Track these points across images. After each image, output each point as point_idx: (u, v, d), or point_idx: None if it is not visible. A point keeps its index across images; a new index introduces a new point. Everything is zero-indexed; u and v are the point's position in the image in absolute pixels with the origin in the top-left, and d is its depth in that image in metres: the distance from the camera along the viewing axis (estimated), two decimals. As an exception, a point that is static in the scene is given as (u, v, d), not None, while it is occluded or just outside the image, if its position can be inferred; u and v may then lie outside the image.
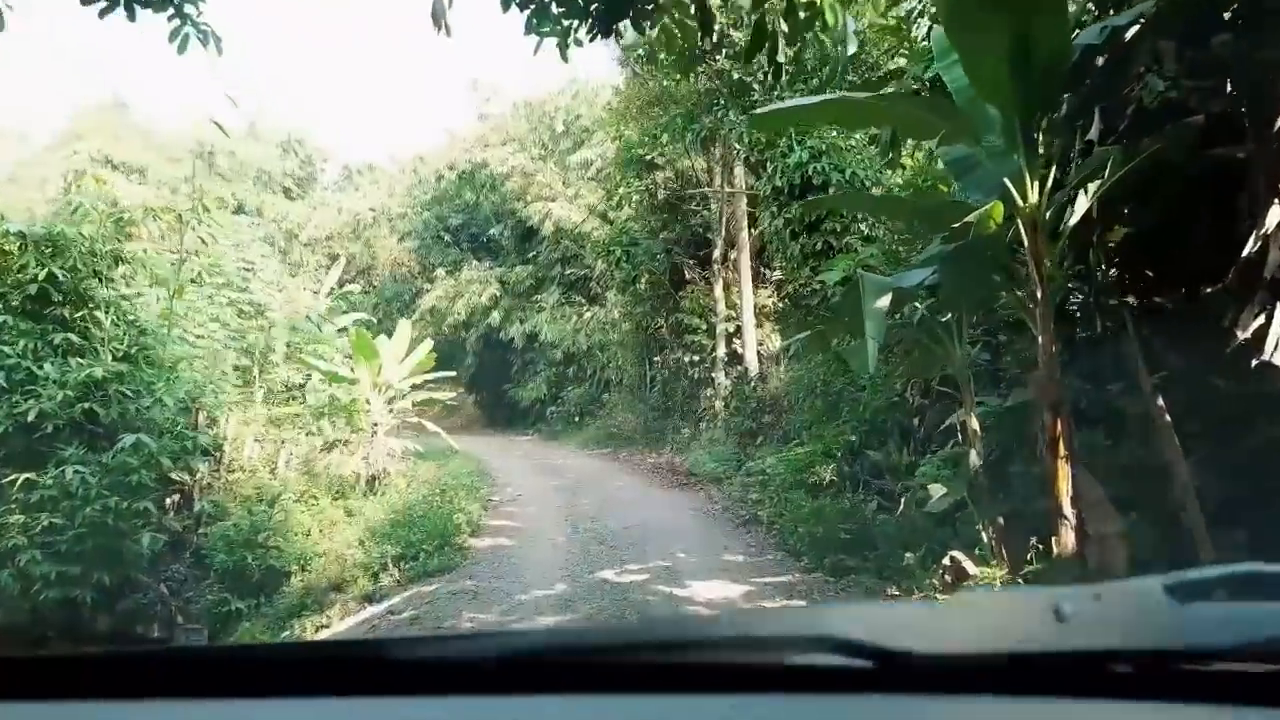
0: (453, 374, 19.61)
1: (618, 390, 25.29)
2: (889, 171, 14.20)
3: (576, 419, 26.97)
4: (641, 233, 19.61)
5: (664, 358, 22.72)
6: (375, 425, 15.18)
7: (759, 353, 18.51)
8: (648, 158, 18.80)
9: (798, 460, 11.27)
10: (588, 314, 27.26)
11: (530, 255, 29.63)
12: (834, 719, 0.97)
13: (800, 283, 13.99)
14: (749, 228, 18.56)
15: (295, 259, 35.69)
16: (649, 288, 20.37)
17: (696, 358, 19.21)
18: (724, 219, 19.13)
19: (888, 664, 0.94)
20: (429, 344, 16.49)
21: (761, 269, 19.53)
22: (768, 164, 14.87)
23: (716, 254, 19.05)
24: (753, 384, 16.69)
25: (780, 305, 19.20)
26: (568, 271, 27.64)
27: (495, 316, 29.28)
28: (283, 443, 13.23)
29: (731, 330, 19.02)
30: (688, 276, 20.02)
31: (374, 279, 38.64)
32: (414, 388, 21.53)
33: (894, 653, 0.94)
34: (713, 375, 19.04)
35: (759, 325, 18.77)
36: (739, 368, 18.22)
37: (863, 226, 13.79)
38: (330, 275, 29.21)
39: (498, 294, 29.42)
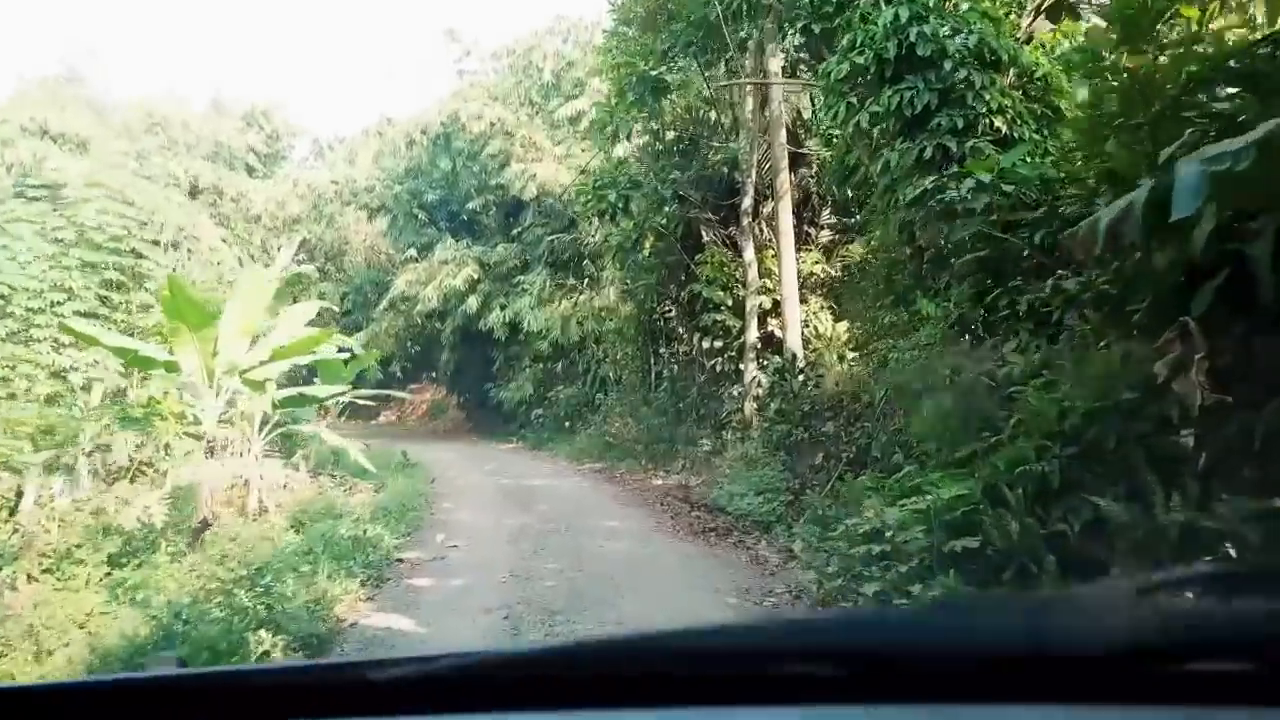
0: (349, 352, 14.07)
1: (615, 390, 19.77)
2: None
3: (567, 424, 21.47)
4: (645, 175, 14.02)
5: (674, 347, 17.19)
6: (247, 440, 9.71)
7: (805, 336, 12.98)
8: (653, 72, 13.25)
9: (939, 508, 5.73)
10: (580, 298, 21.74)
11: (516, 233, 24.13)
12: None
13: (903, 204, 8.45)
14: (790, 171, 13.05)
15: (257, 243, 30.14)
16: (655, 254, 14.82)
17: (718, 343, 13.69)
18: (755, 158, 13.60)
19: (871, 672, 0.93)
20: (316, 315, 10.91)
21: (805, 227, 14.00)
22: (838, 35, 9.34)
23: (746, 204, 13.51)
24: (803, 378, 11.14)
25: (832, 272, 13.66)
26: (556, 247, 22.11)
27: (472, 302, 23.77)
28: (27, 467, 7.68)
29: (767, 307, 13.50)
30: (706, 238, 14.47)
31: (345, 265, 33.18)
32: (350, 387, 16.17)
33: (875, 659, 0.92)
34: (740, 367, 13.53)
35: (803, 301, 13.25)
36: (776, 358, 12.69)
37: (998, 122, 8.30)
38: (281, 255, 23.79)
39: (475, 276, 23.92)
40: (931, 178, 8.31)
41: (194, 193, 31.10)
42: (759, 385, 13.21)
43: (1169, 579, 1.07)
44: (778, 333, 13.41)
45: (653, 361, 18.38)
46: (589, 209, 13.94)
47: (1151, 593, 1.01)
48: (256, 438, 11.87)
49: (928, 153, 8.28)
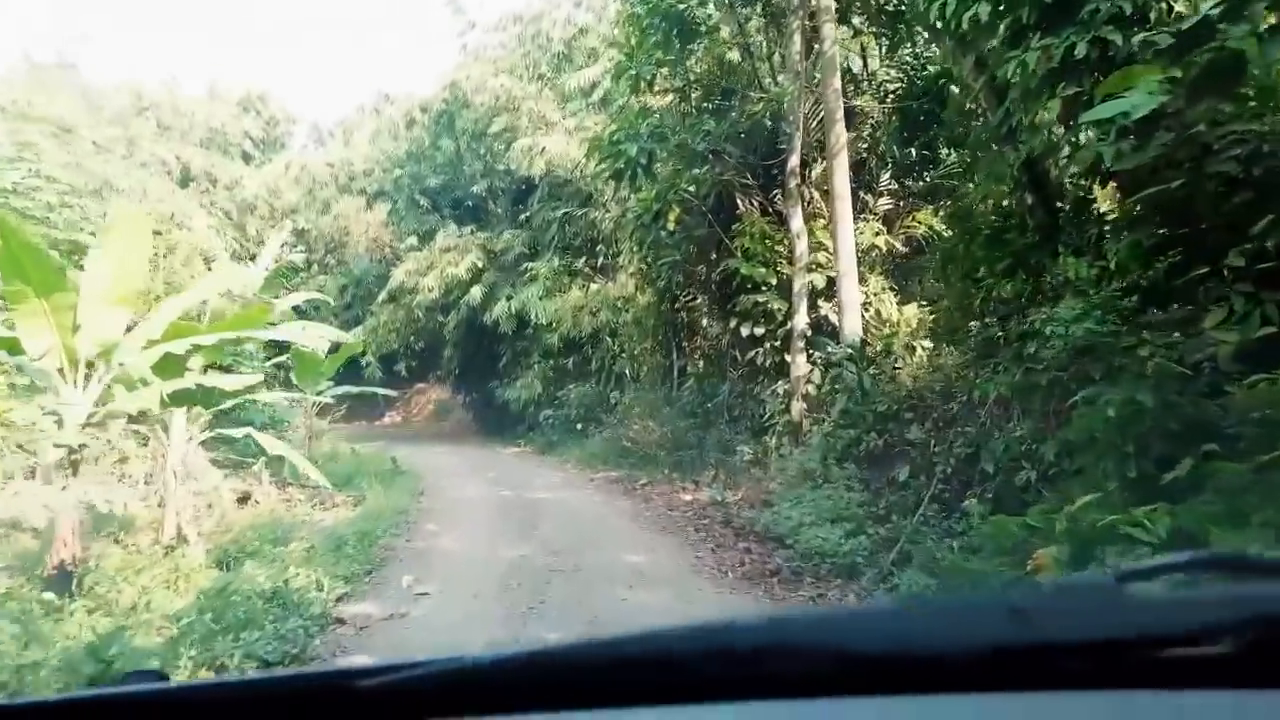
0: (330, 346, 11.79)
1: (632, 388, 17.31)
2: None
3: (578, 426, 19.02)
4: (673, 128, 11.52)
5: (700, 339, 14.75)
6: (163, 448, 7.33)
7: (866, 321, 10.51)
8: (680, 6, 10.79)
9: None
10: (593, 287, 19.29)
11: (524, 217, 21.71)
12: None
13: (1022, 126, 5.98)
14: (845, 125, 10.56)
15: (253, 233, 27.84)
16: (681, 229, 12.37)
17: (758, 330, 11.22)
18: (803, 111, 11.12)
19: (850, 667, 0.91)
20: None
21: (861, 194, 11.52)
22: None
23: (793, 163, 11.04)
24: (872, 369, 8.68)
25: (897, 245, 11.20)
26: (567, 230, 19.66)
27: (476, 293, 21.36)
28: None
29: (820, 286, 11.02)
30: (743, 208, 12.00)
31: (347, 256, 30.84)
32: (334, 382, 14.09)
33: (855, 655, 0.91)
34: (786, 359, 11.05)
35: (861, 280, 10.77)
36: (831, 347, 10.23)
37: (1181, 5, 5.85)
38: (270, 244, 21.46)
39: (479, 264, 21.51)
40: (1079, 86, 5.86)
41: (185, 180, 28.86)
42: (809, 381, 10.74)
43: (1148, 567, 1.03)
44: (831, 317, 10.94)
45: (675, 356, 15.92)
46: (603, 170, 11.45)
47: (1130, 581, 0.96)
48: (174, 444, 9.54)
49: (1079, 50, 5.80)
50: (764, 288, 11.04)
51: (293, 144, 32.06)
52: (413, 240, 24.17)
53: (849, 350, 9.08)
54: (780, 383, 10.91)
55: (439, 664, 0.97)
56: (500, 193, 23.62)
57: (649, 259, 14.00)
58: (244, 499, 11.29)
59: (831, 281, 10.85)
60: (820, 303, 11.14)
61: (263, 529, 8.64)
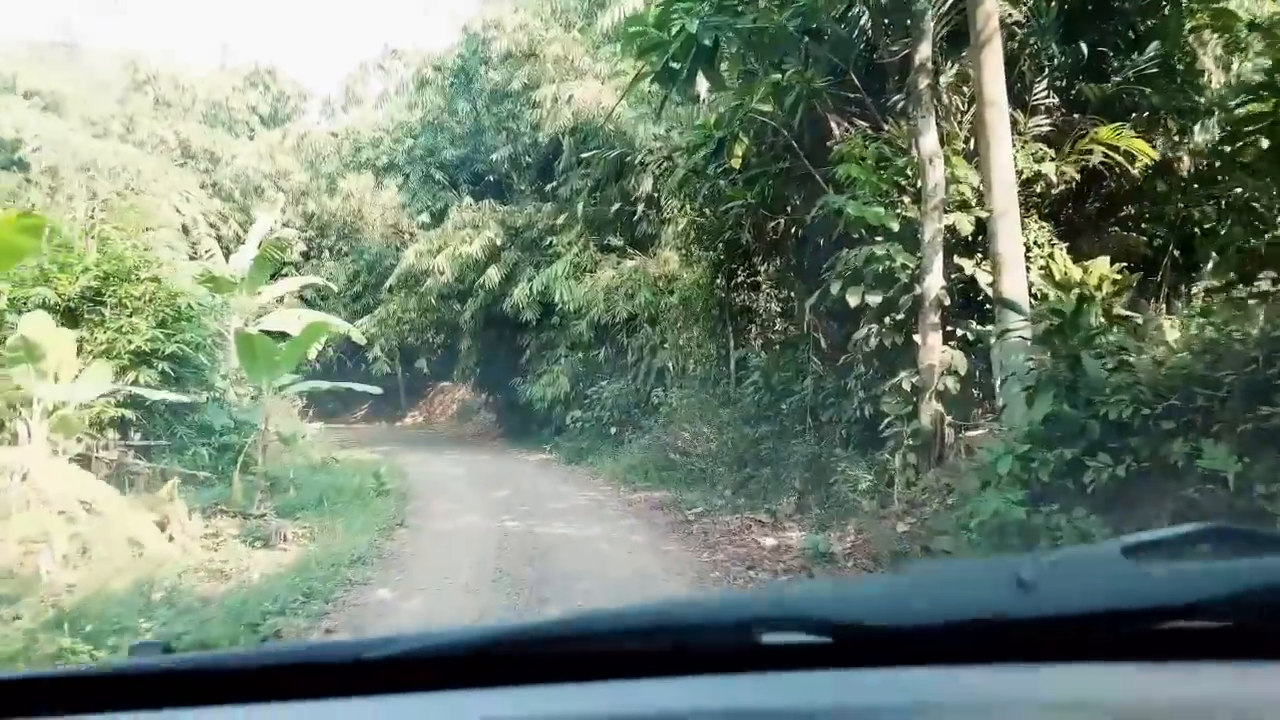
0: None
1: (677, 385, 13.77)
2: None
3: (612, 430, 15.56)
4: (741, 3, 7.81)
5: (772, 316, 11.27)
6: None
7: (1033, 287, 6.91)
8: None
9: None
10: (628, 264, 15.77)
11: (550, 188, 18.22)
12: (799, 695, 0.89)
13: None
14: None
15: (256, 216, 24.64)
16: (748, 169, 8.77)
17: (872, 298, 7.49)
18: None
19: (852, 638, 0.91)
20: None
21: (1023, 94, 7.88)
22: None
23: (922, 54, 7.42)
24: (1100, 356, 5.06)
25: (1072, 173, 7.58)
26: (600, 197, 16.13)
27: (493, 275, 17.93)
28: None
29: (967, 234, 7.40)
30: (839, 130, 8.36)
31: (360, 242, 27.60)
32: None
33: (858, 626, 0.90)
34: (915, 338, 7.42)
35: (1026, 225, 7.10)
36: (1009, 309, 6.63)
37: None
38: (259, 223, 18.27)
39: (498, 241, 18.07)
40: None
41: (184, 158, 25.84)
42: (949, 372, 7.15)
43: (1151, 540, 0.98)
44: (979, 278, 7.31)
45: (733, 344, 12.38)
46: (645, 69, 7.75)
47: (1134, 553, 0.93)
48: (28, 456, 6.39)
49: None
50: (877, 237, 7.41)
51: (305, 121, 28.90)
52: (425, 218, 20.83)
53: (1052, 316, 5.46)
54: (904, 374, 7.29)
55: (446, 636, 0.95)
56: (524, 163, 20.19)
57: (704, 214, 10.46)
58: (161, 527, 7.98)
59: (979, 227, 7.24)
60: (961, 256, 7.51)
61: (96, 599, 5.24)
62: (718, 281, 12.61)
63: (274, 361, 9.81)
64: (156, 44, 56.63)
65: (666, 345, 14.95)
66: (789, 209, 8.98)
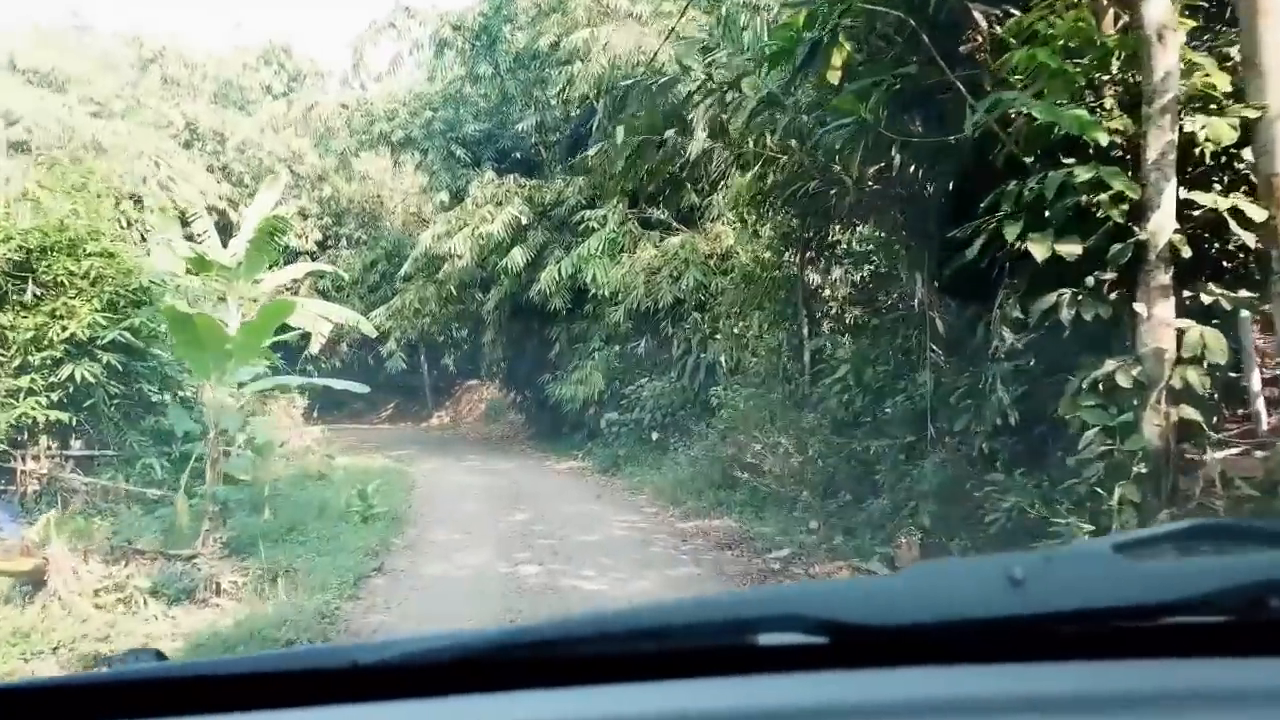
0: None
1: (735, 381, 11.23)
2: None
3: (654, 435, 13.10)
4: None
5: (849, 293, 8.77)
6: None
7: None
8: None
9: None
10: (673, 241, 13.26)
11: (582, 157, 15.74)
12: (798, 696, 0.87)
13: None
14: None
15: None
16: (869, 64, 6.21)
17: (1069, 246, 4.84)
18: None
19: (846, 639, 0.90)
20: None
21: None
22: None
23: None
24: None
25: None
26: (642, 164, 13.63)
27: (518, 258, 15.52)
28: None
29: (1217, 149, 4.76)
30: (987, 21, 5.75)
31: (380, 230, 25.40)
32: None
33: (854, 627, 0.88)
34: (1140, 308, 4.79)
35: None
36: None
37: None
38: (258, 200, 16.00)
39: (523, 219, 15.64)
40: None
41: (191, 134, 23.79)
42: (1194, 358, 4.56)
43: (1146, 536, 0.99)
44: (1243, 215, 4.69)
45: (807, 331, 9.85)
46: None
47: (1128, 550, 0.92)
48: None
49: None
50: (1068, 160, 4.83)
51: (317, 96, 26.67)
52: (444, 197, 18.47)
53: None
54: (1115, 363, 4.70)
55: (441, 640, 0.93)
56: (553, 134, 17.79)
57: (778, 160, 7.93)
58: (36, 580, 5.67)
59: (1242, 136, 4.64)
60: (1189, 192, 4.89)
61: None
62: (787, 255, 10.10)
63: (224, 351, 7.45)
64: (168, 25, 54.26)
65: (718, 335, 12.44)
66: (906, 134, 6.39)
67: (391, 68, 18.25)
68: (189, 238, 15.83)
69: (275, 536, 8.12)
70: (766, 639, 0.91)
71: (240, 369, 8.02)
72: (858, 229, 8.65)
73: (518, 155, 19.13)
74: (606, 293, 13.89)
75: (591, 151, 15.20)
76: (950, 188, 6.17)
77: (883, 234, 8.16)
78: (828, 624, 0.88)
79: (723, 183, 12.73)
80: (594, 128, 15.25)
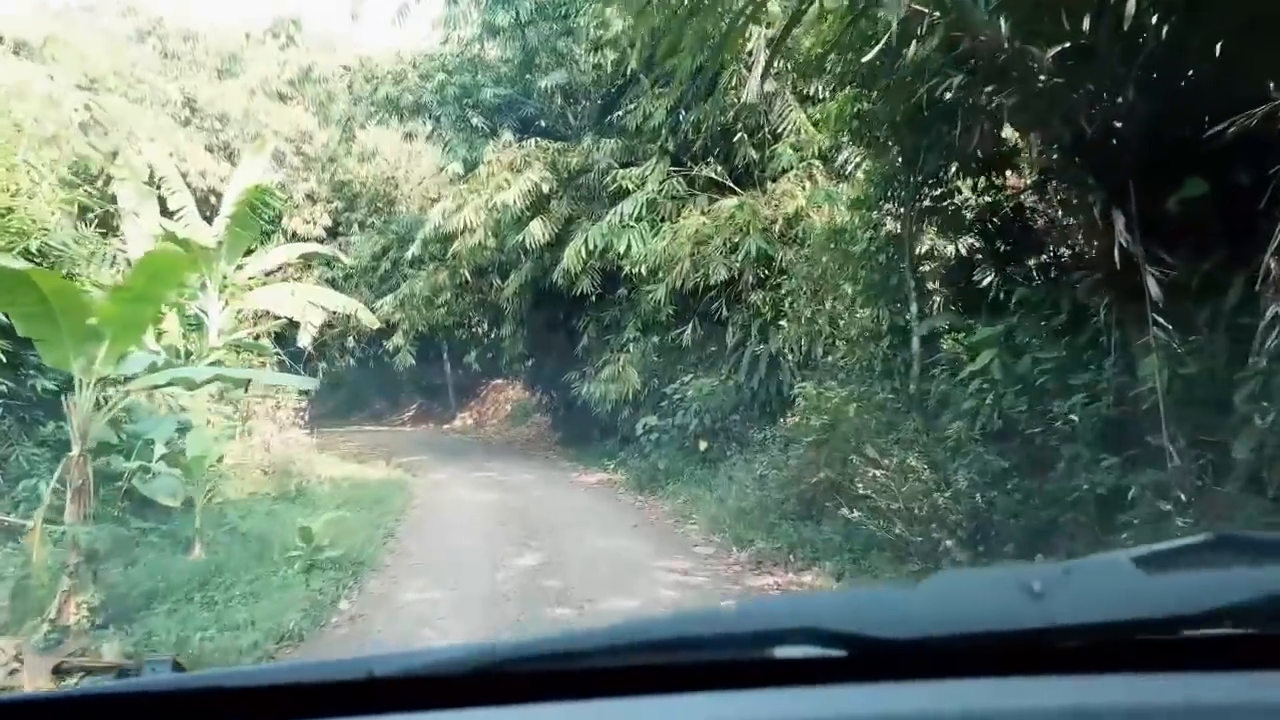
0: None
1: (825, 374, 8.50)
2: None
3: (700, 446, 10.47)
4: None
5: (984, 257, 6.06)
6: None
7: None
8: None
9: None
10: (727, 204, 10.64)
11: (618, 116, 13.15)
12: (814, 709, 0.86)
13: None
14: None
15: (278, 180, 20.12)
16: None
17: None
18: None
19: (865, 651, 0.86)
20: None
21: None
22: None
23: None
24: None
25: None
26: (688, 119, 11.06)
27: (537, 232, 12.98)
28: None
29: None
30: None
31: (390, 215, 23.04)
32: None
33: (870, 639, 0.85)
34: None
35: None
36: None
37: None
38: (242, 169, 13.69)
39: (544, 187, 13.10)
40: None
41: (190, 110, 21.67)
42: None
43: (1165, 549, 0.98)
44: None
45: (915, 309, 7.19)
46: None
47: (1147, 562, 0.90)
48: None
49: None
50: None
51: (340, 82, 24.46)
52: (456, 168, 16.00)
53: None
54: None
55: (457, 652, 0.93)
56: (583, 98, 15.27)
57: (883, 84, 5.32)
58: None
59: None
60: None
61: None
62: (888, 208, 7.46)
63: (87, 328, 4.98)
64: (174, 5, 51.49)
65: (784, 321, 9.81)
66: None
67: (396, 17, 15.87)
68: (169, 214, 13.61)
69: (183, 592, 5.69)
70: (783, 651, 0.89)
71: (130, 357, 5.54)
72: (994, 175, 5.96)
73: (542, 124, 16.62)
74: (644, 270, 11.28)
75: (624, 111, 12.63)
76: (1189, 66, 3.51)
77: (1053, 153, 5.46)
78: (844, 636, 0.86)
79: (787, 129, 10.11)
80: (627, 79, 12.69)
